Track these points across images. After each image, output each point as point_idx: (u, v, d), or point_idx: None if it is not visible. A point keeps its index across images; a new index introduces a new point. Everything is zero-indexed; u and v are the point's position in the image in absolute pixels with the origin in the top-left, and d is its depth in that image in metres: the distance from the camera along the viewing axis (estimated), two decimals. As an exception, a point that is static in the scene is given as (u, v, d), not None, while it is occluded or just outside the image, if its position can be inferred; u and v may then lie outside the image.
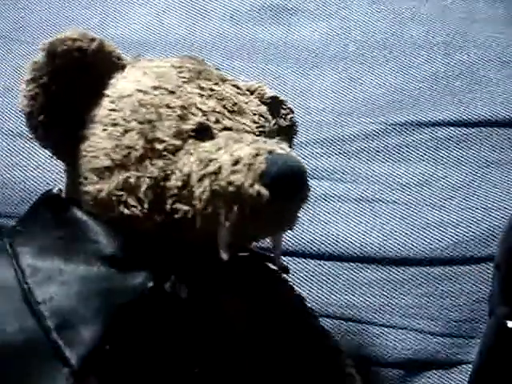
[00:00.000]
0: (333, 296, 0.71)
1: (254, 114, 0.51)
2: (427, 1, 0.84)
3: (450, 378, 0.69)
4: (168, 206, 0.45)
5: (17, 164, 0.75)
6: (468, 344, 0.69)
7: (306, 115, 0.78)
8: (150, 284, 0.44)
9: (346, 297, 0.71)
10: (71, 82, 0.48)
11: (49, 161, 0.76)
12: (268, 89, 0.58)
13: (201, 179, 0.44)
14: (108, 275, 0.45)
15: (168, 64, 0.51)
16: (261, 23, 0.83)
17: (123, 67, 0.51)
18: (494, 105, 0.77)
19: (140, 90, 0.48)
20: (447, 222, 0.73)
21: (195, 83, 0.49)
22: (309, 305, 0.70)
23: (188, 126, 0.47)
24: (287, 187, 0.43)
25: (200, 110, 0.48)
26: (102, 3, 0.85)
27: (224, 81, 0.52)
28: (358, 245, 0.72)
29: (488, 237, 0.72)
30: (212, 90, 0.49)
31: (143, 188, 0.45)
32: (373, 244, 0.72)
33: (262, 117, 0.52)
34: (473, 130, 0.77)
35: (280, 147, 0.45)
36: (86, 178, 0.48)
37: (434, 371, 0.69)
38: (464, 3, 0.84)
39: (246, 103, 0.51)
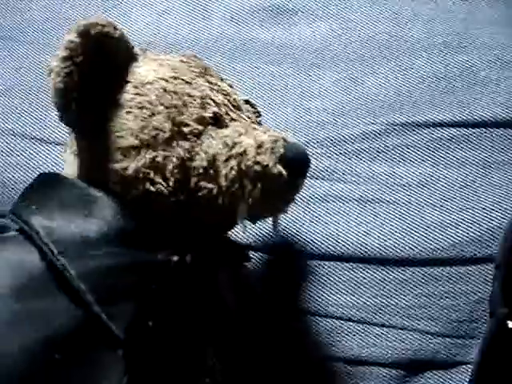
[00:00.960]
0: (333, 296, 0.71)
1: (247, 110, 0.58)
2: (427, 1, 0.84)
3: (450, 378, 0.69)
4: (192, 185, 0.50)
5: (17, 164, 0.75)
6: (468, 344, 0.69)
7: (306, 115, 0.78)
8: (175, 258, 0.48)
9: (346, 297, 0.71)
10: (99, 65, 0.51)
11: (49, 161, 0.76)
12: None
13: (227, 159, 0.50)
14: (130, 252, 0.48)
15: (177, 59, 0.55)
16: (261, 23, 0.83)
17: (137, 58, 0.55)
18: (494, 105, 0.77)
19: (162, 78, 0.52)
20: (447, 223, 0.73)
21: (204, 78, 0.54)
22: (309, 305, 0.71)
23: (207, 113, 0.52)
24: (299, 168, 0.52)
25: (213, 101, 0.53)
26: (102, 3, 0.85)
27: (222, 79, 0.57)
28: (358, 245, 0.72)
29: (488, 237, 0.72)
30: (218, 85, 0.55)
31: (170, 167, 0.50)
32: (373, 244, 0.72)
33: (251, 113, 0.59)
34: (473, 130, 0.77)
35: (289, 136, 0.53)
36: (110, 157, 0.51)
37: (434, 371, 0.69)
38: (464, 3, 0.84)
39: (239, 100, 0.57)
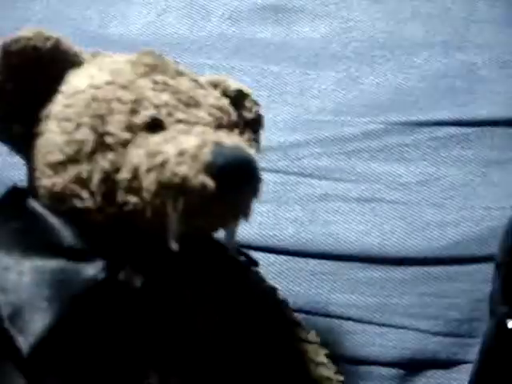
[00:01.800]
0: (333, 296, 0.71)
1: (212, 107, 0.51)
2: (427, 0, 0.84)
3: (450, 378, 0.69)
4: (119, 199, 0.46)
5: (17, 164, 0.75)
6: (468, 344, 0.69)
7: (306, 114, 0.78)
8: (103, 275, 0.45)
9: (346, 296, 0.71)
10: (27, 80, 0.49)
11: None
12: (233, 82, 0.59)
13: (148, 171, 0.45)
14: (63, 266, 0.45)
15: (124, 59, 0.51)
16: (261, 23, 0.83)
17: (80, 64, 0.51)
18: (494, 105, 0.77)
19: (93, 86, 0.49)
20: (447, 222, 0.73)
21: (149, 77, 0.50)
22: (309, 304, 0.71)
23: (138, 119, 0.47)
24: (233, 178, 0.44)
25: (151, 103, 0.48)
26: (102, 3, 0.85)
27: (181, 75, 0.52)
28: (358, 244, 0.72)
29: (488, 237, 0.72)
30: (166, 83, 0.50)
31: (95, 181, 0.46)
32: (373, 244, 0.72)
33: (221, 110, 0.52)
34: (473, 129, 0.76)
35: (229, 138, 0.46)
36: (41, 173, 0.49)
37: (434, 370, 0.69)
38: (464, 3, 0.84)
39: (204, 96, 0.52)
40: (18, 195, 0.50)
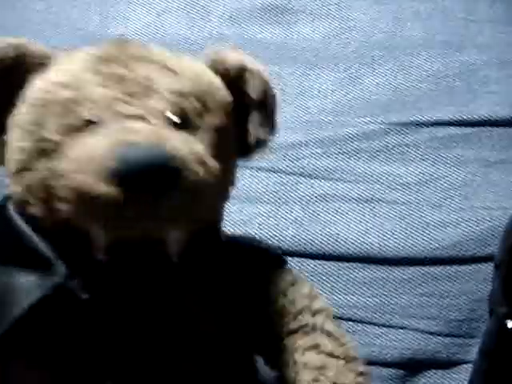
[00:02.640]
0: (333, 296, 0.71)
1: (171, 93, 0.47)
2: (427, 0, 0.84)
3: (450, 378, 0.69)
4: (55, 206, 0.44)
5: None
6: (468, 344, 0.69)
7: (306, 115, 0.78)
8: (49, 283, 0.44)
9: (346, 297, 0.71)
10: None
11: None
12: (235, 56, 0.53)
13: (62, 178, 0.42)
14: (10, 272, 0.45)
15: (82, 54, 0.49)
16: (261, 23, 0.83)
17: (45, 67, 0.49)
18: (493, 105, 0.77)
19: (43, 89, 0.47)
20: (447, 222, 0.73)
21: (96, 70, 0.47)
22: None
23: (71, 120, 0.45)
24: (139, 182, 0.40)
25: (89, 100, 0.45)
26: (102, 3, 0.85)
27: (140, 60, 0.48)
28: (358, 244, 0.72)
29: (488, 237, 0.72)
30: (113, 74, 0.46)
31: (35, 189, 0.45)
32: (373, 244, 0.72)
33: (183, 95, 0.47)
34: (472, 129, 0.77)
35: (145, 137, 0.42)
36: (9, 180, 0.48)
37: (434, 371, 0.69)
38: (464, 3, 0.84)
39: (163, 81, 0.47)
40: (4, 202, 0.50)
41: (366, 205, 0.74)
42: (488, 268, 0.68)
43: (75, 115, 0.45)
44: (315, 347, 0.50)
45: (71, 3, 0.86)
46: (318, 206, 0.74)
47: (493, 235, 0.71)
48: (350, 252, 0.72)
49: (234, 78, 0.52)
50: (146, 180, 0.40)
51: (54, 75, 0.47)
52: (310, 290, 0.53)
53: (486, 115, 0.77)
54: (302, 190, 0.75)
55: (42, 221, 0.45)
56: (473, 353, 0.67)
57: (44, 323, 0.44)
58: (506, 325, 0.55)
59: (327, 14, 0.84)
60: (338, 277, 0.72)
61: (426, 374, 0.69)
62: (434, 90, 0.79)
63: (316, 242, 0.72)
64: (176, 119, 0.46)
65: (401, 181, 0.75)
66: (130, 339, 0.45)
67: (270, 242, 0.72)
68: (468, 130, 0.77)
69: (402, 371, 0.69)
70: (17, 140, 0.46)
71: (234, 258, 0.51)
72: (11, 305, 0.44)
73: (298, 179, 0.75)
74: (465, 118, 0.77)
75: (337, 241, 0.72)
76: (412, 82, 0.79)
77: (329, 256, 0.72)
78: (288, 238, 0.73)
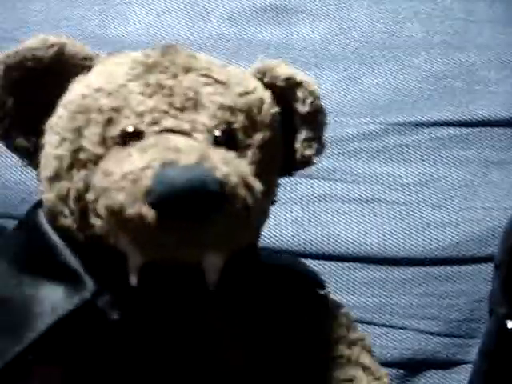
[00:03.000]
0: (333, 296, 0.71)
1: (219, 109, 0.44)
2: (426, 0, 0.84)
3: (450, 378, 0.69)
4: (90, 220, 0.42)
5: (17, 164, 0.75)
6: (468, 344, 0.69)
7: (306, 115, 0.78)
8: (77, 299, 0.42)
9: (346, 297, 0.71)
10: (30, 93, 0.46)
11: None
12: (284, 68, 0.50)
13: (99, 194, 0.40)
14: (37, 283, 0.43)
15: (127, 59, 0.46)
16: (260, 23, 0.83)
17: (90, 68, 0.47)
18: (493, 105, 0.77)
19: (83, 94, 0.44)
20: (447, 222, 0.73)
21: (142, 80, 0.44)
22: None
23: (112, 131, 0.42)
24: (178, 207, 0.37)
25: (133, 111, 0.43)
26: (102, 3, 0.85)
27: (189, 71, 0.45)
28: (358, 245, 0.72)
29: (488, 237, 0.72)
30: (160, 85, 0.44)
31: (71, 200, 0.43)
32: (373, 244, 0.72)
33: (233, 110, 0.45)
34: (473, 129, 0.77)
35: (188, 156, 0.38)
36: (42, 187, 0.46)
37: (434, 371, 0.69)
38: (464, 3, 0.84)
39: (213, 95, 0.44)
40: (35, 207, 0.48)
41: (366, 205, 0.74)
42: (488, 268, 0.68)
43: (117, 126, 0.43)
44: (350, 380, 0.48)
45: (71, 3, 0.86)
46: (318, 207, 0.74)
47: (493, 235, 0.71)
48: (350, 252, 0.72)
49: (283, 91, 0.49)
50: (186, 205, 0.37)
51: (95, 80, 0.45)
52: (347, 319, 0.51)
53: (485, 115, 0.77)
54: (301, 190, 0.75)
55: (73, 233, 0.43)
56: (473, 353, 0.67)
57: (69, 340, 0.42)
58: (505, 325, 0.55)
59: (327, 14, 0.84)
60: (338, 277, 0.72)
61: (426, 374, 0.69)
62: (433, 91, 0.79)
63: (316, 242, 0.72)
64: (222, 136, 0.43)
65: (401, 181, 0.75)
66: (155, 365, 0.43)
67: (269, 242, 0.72)
68: (468, 130, 0.77)
69: (401, 371, 0.69)
70: (53, 146, 0.44)
71: (270, 283, 0.49)
72: (36, 318, 0.42)
73: (298, 179, 0.75)
74: (464, 118, 0.77)
75: (337, 241, 0.72)
76: (412, 82, 0.80)
77: (329, 256, 0.72)
78: (288, 238, 0.72)
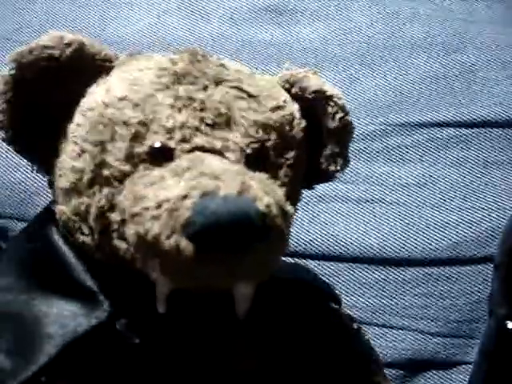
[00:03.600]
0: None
1: (252, 126, 0.42)
2: (426, 1, 0.84)
3: (450, 378, 0.69)
4: (113, 241, 0.39)
5: (17, 165, 0.75)
6: (468, 344, 0.69)
7: (306, 116, 0.78)
8: (92, 320, 0.40)
9: (346, 297, 0.71)
10: (44, 93, 0.43)
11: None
12: (314, 79, 0.47)
13: (130, 219, 0.37)
14: (50, 300, 0.41)
15: (152, 64, 0.43)
16: (261, 24, 0.83)
17: (110, 70, 0.44)
18: (493, 105, 0.77)
19: (104, 102, 0.41)
20: (447, 223, 0.73)
21: (172, 91, 0.41)
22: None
23: (140, 148, 0.40)
24: (218, 240, 0.34)
25: (163, 126, 0.40)
26: (102, 3, 0.85)
27: (219, 83, 0.43)
28: (358, 245, 0.72)
29: (488, 237, 0.72)
30: (191, 98, 0.41)
31: (91, 217, 0.40)
32: (372, 244, 0.72)
33: (267, 127, 0.42)
34: (473, 130, 0.77)
35: (228, 185, 0.36)
36: (56, 196, 0.44)
37: (434, 371, 0.69)
38: (464, 4, 0.84)
39: (245, 111, 0.42)
40: (47, 217, 0.46)
41: (366, 205, 0.74)
42: (488, 269, 0.68)
43: (145, 142, 0.40)
44: None
45: (71, 3, 0.86)
46: (318, 207, 0.74)
47: (492, 236, 0.71)
48: (350, 252, 0.72)
49: (311, 104, 0.47)
50: (227, 238, 0.35)
51: (117, 87, 0.42)
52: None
53: (485, 116, 0.77)
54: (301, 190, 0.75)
55: (90, 250, 0.41)
56: (472, 354, 0.67)
57: (83, 361, 0.40)
58: (505, 326, 0.55)
59: (327, 15, 0.84)
60: (338, 277, 0.72)
61: (426, 374, 0.69)
62: (433, 91, 0.79)
63: (316, 242, 0.72)
64: (254, 155, 0.41)
65: (400, 181, 0.75)
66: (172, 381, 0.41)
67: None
68: (467, 130, 0.77)
69: (401, 372, 0.69)
70: (73, 158, 0.41)
71: (285, 298, 0.47)
72: (49, 338, 0.39)
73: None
74: (464, 118, 0.77)
75: (337, 241, 0.72)
76: (412, 82, 0.80)
77: (328, 256, 0.72)
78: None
